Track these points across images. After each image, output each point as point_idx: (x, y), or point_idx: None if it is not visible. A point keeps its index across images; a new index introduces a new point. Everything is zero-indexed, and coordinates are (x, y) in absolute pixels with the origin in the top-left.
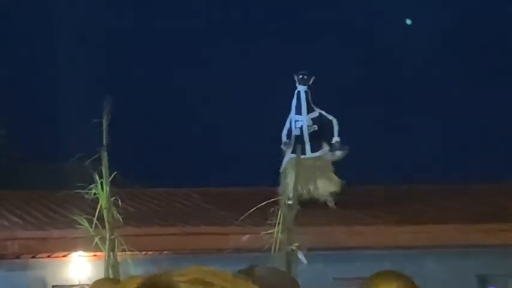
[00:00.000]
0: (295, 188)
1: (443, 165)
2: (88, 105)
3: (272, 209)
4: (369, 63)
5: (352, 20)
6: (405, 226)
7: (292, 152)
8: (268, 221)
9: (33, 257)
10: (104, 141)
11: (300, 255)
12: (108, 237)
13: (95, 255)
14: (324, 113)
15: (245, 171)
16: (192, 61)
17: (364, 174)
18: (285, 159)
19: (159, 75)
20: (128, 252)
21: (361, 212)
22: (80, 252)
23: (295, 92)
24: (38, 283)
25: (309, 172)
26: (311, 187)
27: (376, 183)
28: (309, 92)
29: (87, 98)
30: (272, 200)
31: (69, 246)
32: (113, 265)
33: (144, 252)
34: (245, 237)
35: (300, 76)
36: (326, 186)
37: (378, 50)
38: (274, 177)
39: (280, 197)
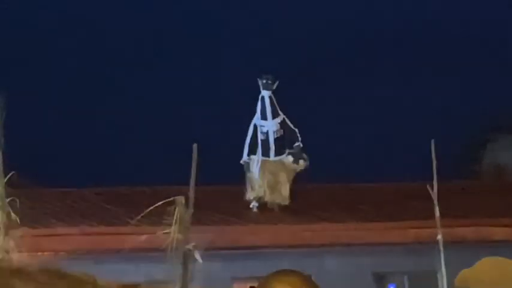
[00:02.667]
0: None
1: (358, 164)
2: None
3: (169, 208)
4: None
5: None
6: (303, 224)
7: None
8: (165, 221)
9: None
10: None
11: (196, 255)
12: (2, 239)
13: None
14: (287, 120)
15: (144, 171)
16: (92, 56)
17: None
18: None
19: (59, 71)
20: (24, 253)
21: (259, 211)
22: None
23: (260, 96)
24: None
25: (269, 176)
26: (266, 191)
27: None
28: (273, 97)
29: None
30: (170, 199)
31: None
32: None
33: (40, 253)
34: (143, 237)
35: (264, 81)
36: (276, 197)
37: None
38: (173, 176)
39: (177, 196)
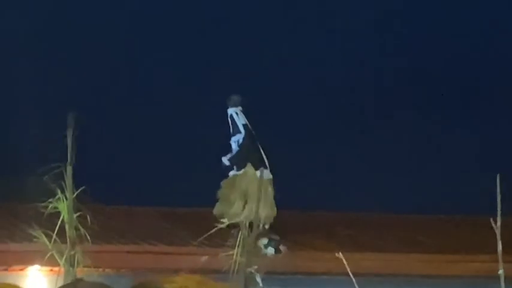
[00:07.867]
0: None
1: (409, 195)
2: (50, 118)
3: (232, 231)
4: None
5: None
6: (363, 253)
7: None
8: (227, 243)
9: None
10: (69, 157)
11: (258, 278)
12: (67, 252)
13: (51, 270)
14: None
15: (208, 192)
16: (151, 80)
17: (327, 200)
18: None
19: (123, 92)
20: (85, 268)
21: (321, 238)
22: (37, 267)
23: (229, 115)
24: None
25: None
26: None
27: (339, 209)
28: (239, 114)
29: (50, 110)
30: (233, 221)
31: (27, 260)
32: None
33: (101, 269)
34: (203, 258)
35: (230, 99)
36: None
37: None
38: None
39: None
